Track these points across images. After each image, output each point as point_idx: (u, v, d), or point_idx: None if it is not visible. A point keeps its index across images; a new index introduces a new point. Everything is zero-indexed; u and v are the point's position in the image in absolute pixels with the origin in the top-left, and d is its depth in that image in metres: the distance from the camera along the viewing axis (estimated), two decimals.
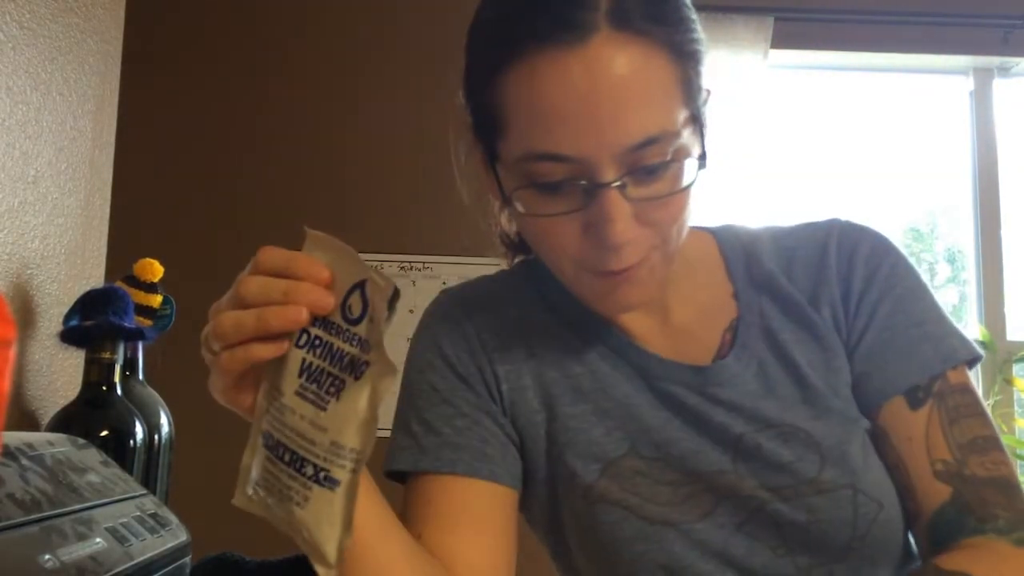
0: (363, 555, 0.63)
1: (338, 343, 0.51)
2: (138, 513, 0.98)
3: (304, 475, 0.51)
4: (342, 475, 0.51)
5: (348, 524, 0.51)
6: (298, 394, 0.52)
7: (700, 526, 0.72)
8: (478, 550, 0.73)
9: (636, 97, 0.63)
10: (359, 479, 0.51)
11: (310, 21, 2.11)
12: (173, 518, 1.05)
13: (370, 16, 2.11)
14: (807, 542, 0.71)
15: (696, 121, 0.68)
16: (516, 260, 0.89)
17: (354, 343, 0.51)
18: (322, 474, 0.51)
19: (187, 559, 1.04)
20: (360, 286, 0.51)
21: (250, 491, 0.55)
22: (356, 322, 0.51)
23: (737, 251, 0.83)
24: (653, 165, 0.65)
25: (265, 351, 0.52)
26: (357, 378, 0.51)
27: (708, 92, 0.71)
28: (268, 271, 0.53)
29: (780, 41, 2.15)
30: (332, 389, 0.51)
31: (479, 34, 0.71)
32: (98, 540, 0.84)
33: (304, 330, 0.52)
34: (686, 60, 0.66)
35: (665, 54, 0.64)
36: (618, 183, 0.64)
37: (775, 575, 0.71)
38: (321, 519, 0.51)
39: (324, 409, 0.51)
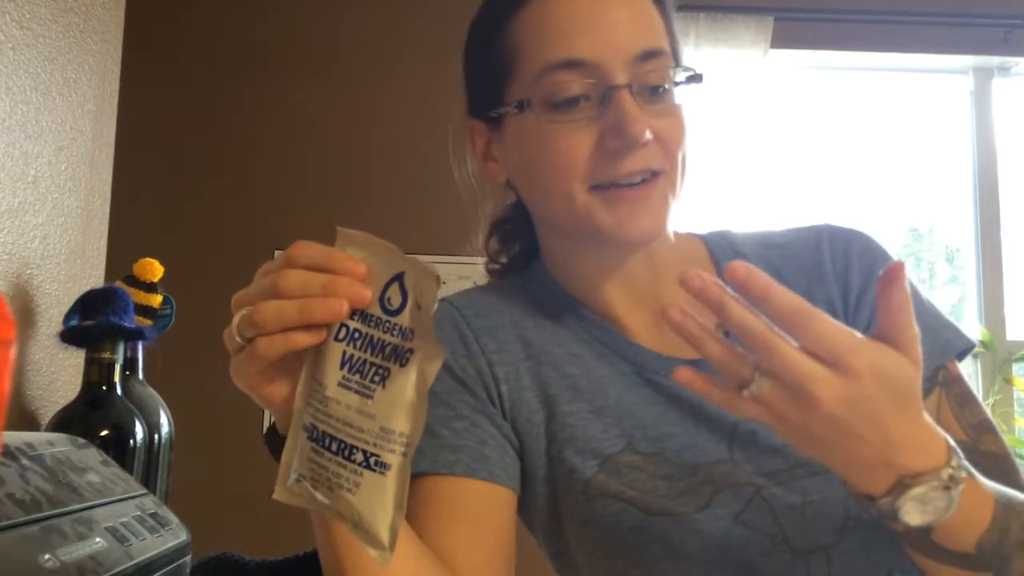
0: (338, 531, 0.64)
1: (378, 334, 0.53)
2: (138, 513, 0.98)
3: (354, 462, 0.53)
4: (392, 459, 0.53)
5: (400, 506, 0.53)
6: (341, 385, 0.53)
7: (698, 517, 0.73)
8: (477, 550, 0.74)
9: (640, 18, 0.73)
10: (409, 463, 0.53)
11: (311, 21, 2.11)
12: (173, 518, 1.05)
13: (371, 17, 2.12)
14: (803, 526, 0.72)
15: (678, 61, 0.76)
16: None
17: (395, 333, 0.53)
18: (372, 459, 0.53)
19: (187, 559, 1.04)
20: (398, 278, 0.53)
21: (291, 484, 0.56)
22: (396, 313, 0.53)
23: (727, 252, 0.86)
24: (654, 85, 0.72)
25: (306, 339, 0.54)
26: (403, 365, 0.53)
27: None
28: (304, 265, 0.54)
29: (780, 41, 2.15)
30: (376, 378, 0.53)
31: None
32: (98, 540, 0.84)
33: (343, 324, 0.54)
34: (666, 13, 0.77)
35: (651, 3, 0.75)
36: (630, 87, 0.71)
37: (773, 563, 0.72)
38: (373, 503, 0.53)
39: (371, 397, 0.53)
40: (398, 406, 0.52)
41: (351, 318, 0.54)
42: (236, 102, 2.07)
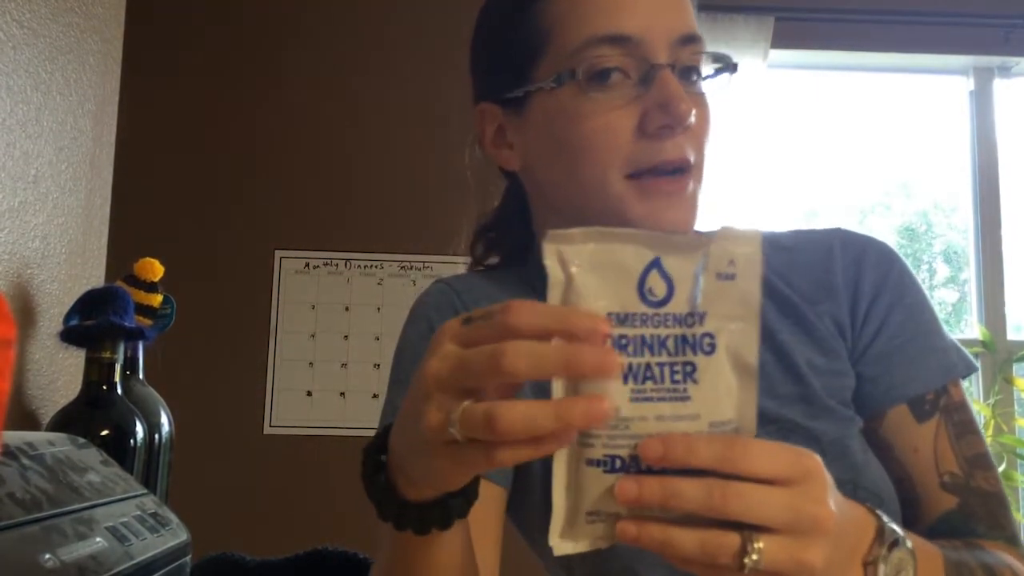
0: (442, 560, 0.59)
1: (650, 331, 0.48)
2: (138, 512, 0.98)
3: None
4: None
5: None
6: (638, 400, 0.48)
7: None
8: None
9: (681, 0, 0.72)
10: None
11: (311, 20, 2.11)
12: (173, 517, 1.05)
13: (371, 16, 2.12)
14: None
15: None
16: None
17: (669, 323, 0.48)
18: None
19: (187, 558, 1.04)
20: (655, 265, 0.48)
21: (581, 528, 0.50)
22: (663, 303, 0.48)
23: None
24: (689, 70, 0.71)
25: (557, 446, 0.45)
26: (709, 354, 0.48)
27: None
28: (529, 334, 0.44)
29: (780, 41, 2.15)
30: (680, 377, 0.47)
31: None
32: (98, 539, 0.84)
33: (605, 336, 0.47)
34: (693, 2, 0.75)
35: None
36: (672, 65, 0.69)
37: None
38: None
39: (686, 399, 0.47)
40: (721, 397, 0.48)
41: (611, 326, 0.47)
42: (236, 102, 2.07)
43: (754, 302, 0.48)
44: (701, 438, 0.46)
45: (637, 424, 0.47)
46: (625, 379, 0.47)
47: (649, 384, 0.47)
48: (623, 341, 0.47)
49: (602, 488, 0.49)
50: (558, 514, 0.50)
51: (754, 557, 0.45)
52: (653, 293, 0.48)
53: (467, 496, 0.54)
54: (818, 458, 0.48)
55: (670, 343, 0.48)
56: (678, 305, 0.48)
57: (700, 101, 0.72)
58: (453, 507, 0.53)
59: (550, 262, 0.48)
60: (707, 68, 0.73)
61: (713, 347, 0.48)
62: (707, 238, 0.48)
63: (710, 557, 0.45)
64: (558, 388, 0.48)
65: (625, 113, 0.69)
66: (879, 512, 0.53)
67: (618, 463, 0.48)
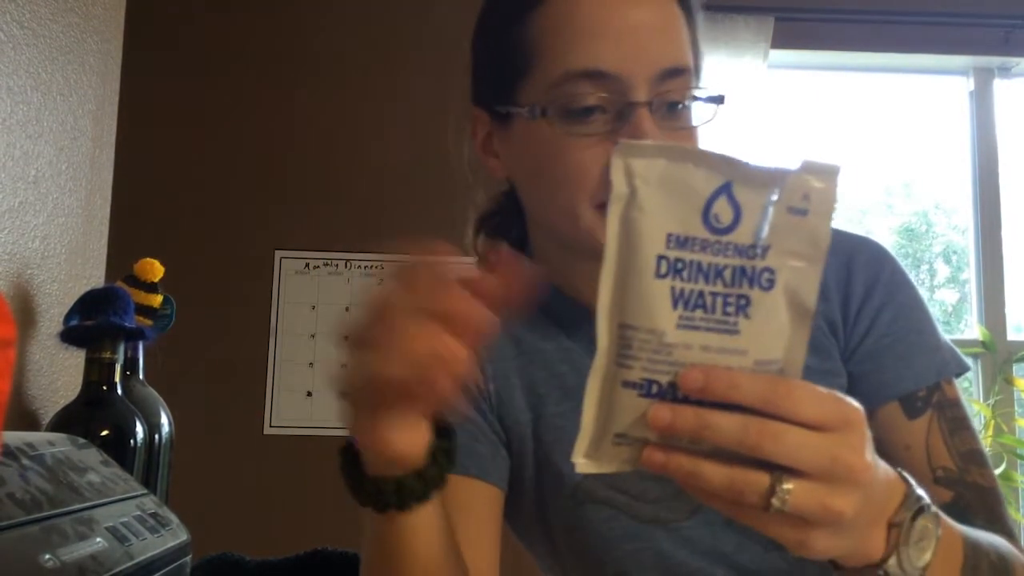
0: (408, 546, 0.60)
1: (707, 259, 0.46)
2: (138, 513, 0.98)
3: None
4: None
5: None
6: (684, 327, 0.46)
7: (688, 523, 0.72)
8: (464, 547, 0.71)
9: (668, 29, 0.70)
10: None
11: (311, 21, 2.11)
12: (173, 518, 1.05)
13: (372, 18, 2.12)
14: None
15: (699, 76, 0.73)
16: None
17: (730, 253, 0.46)
18: None
19: (187, 559, 1.04)
20: (725, 190, 0.46)
21: (607, 449, 0.49)
22: (727, 231, 0.46)
23: None
24: (674, 102, 0.70)
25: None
26: (765, 289, 0.46)
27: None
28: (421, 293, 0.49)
29: (780, 41, 2.15)
30: (732, 309, 0.46)
31: None
32: (98, 540, 0.84)
33: (661, 256, 0.46)
34: (691, 19, 0.73)
35: (677, 7, 0.72)
36: (649, 104, 0.68)
37: (766, 570, 0.71)
38: None
39: (735, 332, 0.46)
40: (772, 335, 0.46)
41: (668, 247, 0.46)
42: (236, 101, 2.07)
43: (822, 242, 0.46)
44: (745, 374, 0.45)
45: (680, 352, 0.46)
46: (675, 304, 0.46)
47: (699, 312, 0.46)
48: (678, 265, 0.46)
49: (635, 412, 0.47)
50: (585, 432, 0.49)
51: (783, 498, 0.44)
52: (718, 219, 0.46)
53: (424, 477, 0.56)
54: (861, 409, 0.47)
55: (727, 273, 0.46)
56: (742, 235, 0.46)
57: (682, 135, 0.71)
58: (407, 486, 0.56)
59: (616, 174, 0.47)
60: (698, 93, 0.72)
61: (772, 283, 0.46)
62: (788, 170, 0.46)
63: (737, 494, 0.45)
64: (605, 297, 0.47)
65: (598, 151, 0.68)
66: (908, 477, 0.52)
67: (655, 388, 0.47)
